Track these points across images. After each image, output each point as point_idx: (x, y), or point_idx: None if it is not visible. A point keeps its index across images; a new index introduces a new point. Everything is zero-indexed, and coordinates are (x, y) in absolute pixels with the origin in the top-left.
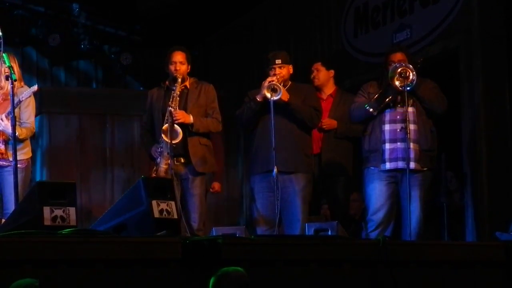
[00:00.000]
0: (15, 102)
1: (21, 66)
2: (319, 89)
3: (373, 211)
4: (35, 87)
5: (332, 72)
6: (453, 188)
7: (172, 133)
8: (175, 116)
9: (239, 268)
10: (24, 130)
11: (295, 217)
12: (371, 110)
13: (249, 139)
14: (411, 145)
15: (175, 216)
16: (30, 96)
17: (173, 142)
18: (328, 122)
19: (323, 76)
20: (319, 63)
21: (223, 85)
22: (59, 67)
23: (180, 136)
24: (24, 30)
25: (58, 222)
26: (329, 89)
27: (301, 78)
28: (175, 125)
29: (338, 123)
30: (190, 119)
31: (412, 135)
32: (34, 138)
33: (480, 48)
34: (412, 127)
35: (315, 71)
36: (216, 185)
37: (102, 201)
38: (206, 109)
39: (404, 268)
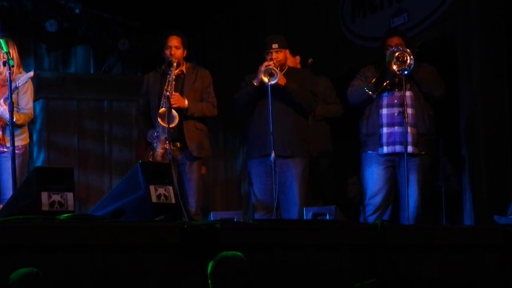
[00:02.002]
0: (12, 87)
1: (18, 52)
2: None
3: (371, 195)
4: (31, 73)
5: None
6: (450, 172)
7: (169, 118)
8: (171, 100)
9: (237, 253)
10: (22, 116)
11: (293, 202)
12: (370, 92)
13: (246, 124)
14: (409, 129)
15: (173, 201)
16: (27, 82)
17: (170, 126)
18: None
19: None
20: None
21: (221, 70)
22: (57, 53)
23: (177, 120)
24: (21, 16)
25: (56, 207)
26: None
27: None
28: (172, 109)
29: None
30: (185, 103)
31: (409, 119)
32: (32, 123)
33: (478, 32)
34: (409, 111)
35: None
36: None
37: (100, 186)
38: (201, 94)
39: (402, 252)
